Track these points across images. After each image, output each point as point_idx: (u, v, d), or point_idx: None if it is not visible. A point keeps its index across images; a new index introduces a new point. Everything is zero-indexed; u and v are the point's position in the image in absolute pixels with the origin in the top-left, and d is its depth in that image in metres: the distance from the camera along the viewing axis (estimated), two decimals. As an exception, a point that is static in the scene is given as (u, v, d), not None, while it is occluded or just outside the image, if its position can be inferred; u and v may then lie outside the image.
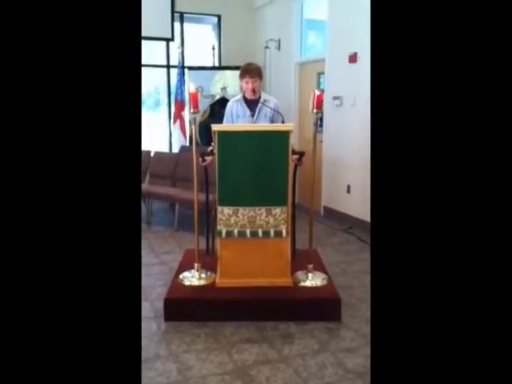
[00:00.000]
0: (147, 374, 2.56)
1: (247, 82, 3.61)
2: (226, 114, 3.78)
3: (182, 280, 3.44)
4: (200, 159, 3.49)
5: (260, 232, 3.25)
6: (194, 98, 3.27)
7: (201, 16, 7.44)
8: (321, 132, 5.75)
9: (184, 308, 3.20)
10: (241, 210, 3.23)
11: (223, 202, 3.24)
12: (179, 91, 6.83)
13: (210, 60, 7.36)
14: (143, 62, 7.04)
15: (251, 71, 3.63)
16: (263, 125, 3.55)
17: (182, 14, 7.17)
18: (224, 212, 3.24)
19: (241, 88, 3.81)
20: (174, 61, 7.10)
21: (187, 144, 6.75)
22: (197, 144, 3.40)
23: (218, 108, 6.53)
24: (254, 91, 3.62)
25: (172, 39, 7.06)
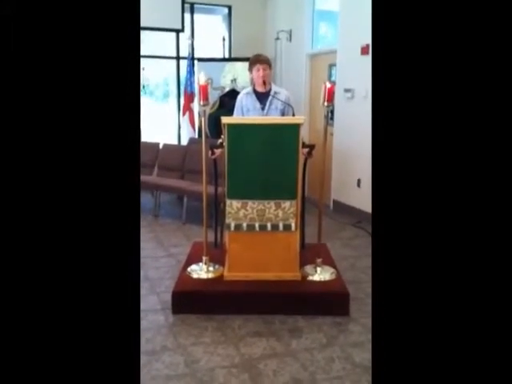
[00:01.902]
0: (154, 365, 2.57)
1: (258, 70, 3.56)
2: (236, 108, 3.74)
3: (189, 273, 3.43)
4: (209, 152, 3.47)
5: (269, 225, 3.24)
6: (203, 91, 3.24)
7: (211, 7, 7.39)
8: (332, 125, 5.71)
9: (192, 301, 3.20)
10: (250, 203, 3.21)
11: (232, 195, 3.23)
12: (189, 83, 6.80)
13: (220, 51, 7.31)
14: (153, 53, 7.04)
15: (261, 60, 3.59)
16: (273, 118, 3.51)
17: (192, 5, 7.12)
18: (233, 205, 3.22)
19: (251, 80, 3.77)
20: (184, 52, 7.06)
21: (196, 136, 6.73)
22: (206, 136, 3.38)
23: (227, 100, 6.50)
24: (264, 83, 3.57)
25: (182, 30, 7.01)
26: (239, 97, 3.76)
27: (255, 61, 3.59)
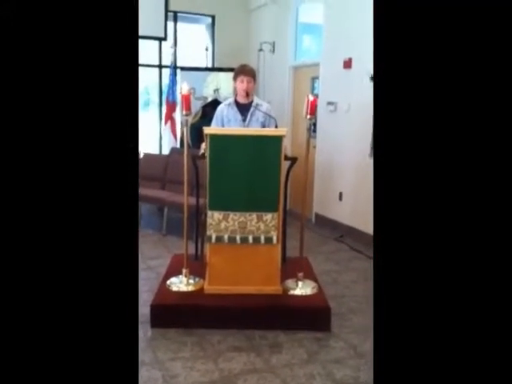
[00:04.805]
0: (131, 382, 2.50)
1: (242, 81, 3.55)
2: (215, 117, 3.71)
3: (169, 286, 3.37)
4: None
5: (250, 238, 3.20)
6: (186, 100, 3.21)
7: (195, 16, 7.37)
8: (314, 137, 5.71)
9: (171, 314, 3.14)
10: (231, 215, 3.17)
11: (214, 207, 3.18)
12: (171, 92, 6.75)
13: (203, 61, 7.29)
14: (135, 62, 6.97)
15: (246, 71, 3.59)
16: (256, 129, 3.50)
17: (175, 13, 7.10)
18: (214, 217, 3.18)
19: (234, 90, 3.75)
20: (166, 61, 7.02)
21: (178, 146, 6.67)
22: (188, 146, 3.34)
23: (210, 110, 6.44)
24: (247, 94, 3.56)
25: (165, 38, 6.98)
26: (220, 107, 3.74)
27: (240, 72, 3.58)
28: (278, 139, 3.12)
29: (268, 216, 3.18)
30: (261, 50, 6.82)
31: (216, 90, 6.77)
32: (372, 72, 4.27)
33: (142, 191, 5.52)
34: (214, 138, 3.13)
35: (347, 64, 5.19)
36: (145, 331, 3.06)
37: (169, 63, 6.88)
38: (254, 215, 3.18)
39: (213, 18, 7.32)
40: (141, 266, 4.30)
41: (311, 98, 3.20)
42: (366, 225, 4.85)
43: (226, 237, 3.20)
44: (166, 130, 6.83)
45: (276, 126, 3.58)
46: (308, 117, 3.22)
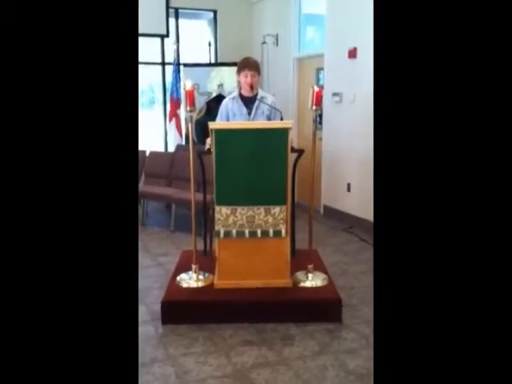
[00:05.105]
0: (145, 378, 2.51)
1: (246, 76, 3.52)
2: (220, 112, 3.69)
3: (179, 282, 3.37)
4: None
5: (259, 232, 3.19)
6: (190, 96, 3.20)
7: (196, 11, 7.36)
8: (320, 129, 5.68)
9: (182, 310, 3.14)
10: (239, 209, 3.16)
11: (221, 202, 3.18)
12: (175, 89, 6.73)
13: (206, 56, 7.27)
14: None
15: (250, 65, 3.55)
16: (261, 122, 3.48)
17: (177, 10, 7.08)
18: (222, 212, 3.17)
19: (238, 84, 3.72)
20: (169, 58, 7.00)
21: (183, 143, 6.66)
22: (193, 143, 3.33)
23: (214, 105, 6.42)
24: (251, 87, 3.54)
25: (167, 35, 6.97)
26: (224, 101, 3.72)
27: (244, 65, 3.55)
28: (284, 132, 3.11)
29: (276, 209, 3.17)
30: (264, 42, 6.79)
31: (220, 85, 6.75)
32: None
33: (149, 189, 5.56)
34: (219, 132, 3.12)
35: (352, 54, 5.15)
36: (156, 328, 3.07)
37: (172, 60, 6.86)
38: (262, 209, 3.17)
39: (214, 12, 7.29)
40: (150, 262, 4.33)
41: (316, 88, 3.18)
42: (375, 215, 4.82)
43: (234, 231, 3.19)
44: (171, 127, 6.83)
45: (281, 119, 3.55)
46: (314, 108, 3.20)
